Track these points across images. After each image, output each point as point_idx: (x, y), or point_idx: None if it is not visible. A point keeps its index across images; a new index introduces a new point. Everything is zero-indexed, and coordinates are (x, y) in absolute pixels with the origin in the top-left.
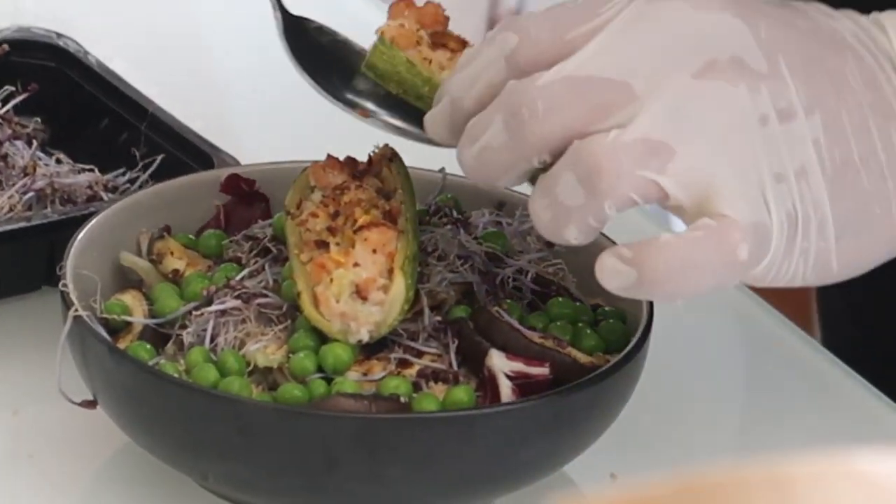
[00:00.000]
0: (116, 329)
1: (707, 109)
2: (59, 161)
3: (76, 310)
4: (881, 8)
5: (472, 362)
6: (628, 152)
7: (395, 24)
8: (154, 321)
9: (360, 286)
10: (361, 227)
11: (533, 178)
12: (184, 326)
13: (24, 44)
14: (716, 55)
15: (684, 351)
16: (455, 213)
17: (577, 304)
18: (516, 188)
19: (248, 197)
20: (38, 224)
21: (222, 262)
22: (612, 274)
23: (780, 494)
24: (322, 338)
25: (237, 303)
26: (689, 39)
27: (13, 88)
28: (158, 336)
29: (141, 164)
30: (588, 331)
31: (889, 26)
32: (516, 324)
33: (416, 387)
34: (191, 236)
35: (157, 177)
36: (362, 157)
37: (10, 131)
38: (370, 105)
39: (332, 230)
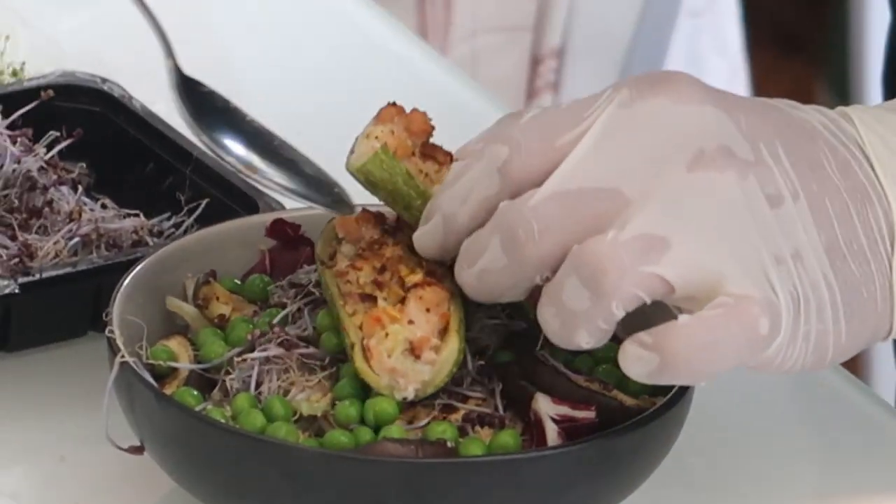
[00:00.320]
0: (163, 375)
1: (701, 200)
2: (104, 206)
3: (122, 356)
4: None
5: (518, 406)
6: (628, 250)
7: (387, 130)
8: (199, 366)
9: (414, 344)
10: (416, 285)
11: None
12: (229, 372)
13: (69, 89)
14: (703, 146)
15: (732, 393)
16: None
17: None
18: None
19: (293, 242)
20: (83, 269)
21: (268, 307)
22: (634, 361)
23: None
24: (367, 386)
25: (280, 350)
26: (675, 134)
27: (58, 134)
28: (205, 381)
29: (186, 209)
30: None
31: (854, 118)
32: (561, 367)
33: (462, 431)
34: (237, 281)
35: (202, 221)
36: None
37: (55, 177)
38: (257, 164)
39: (378, 284)
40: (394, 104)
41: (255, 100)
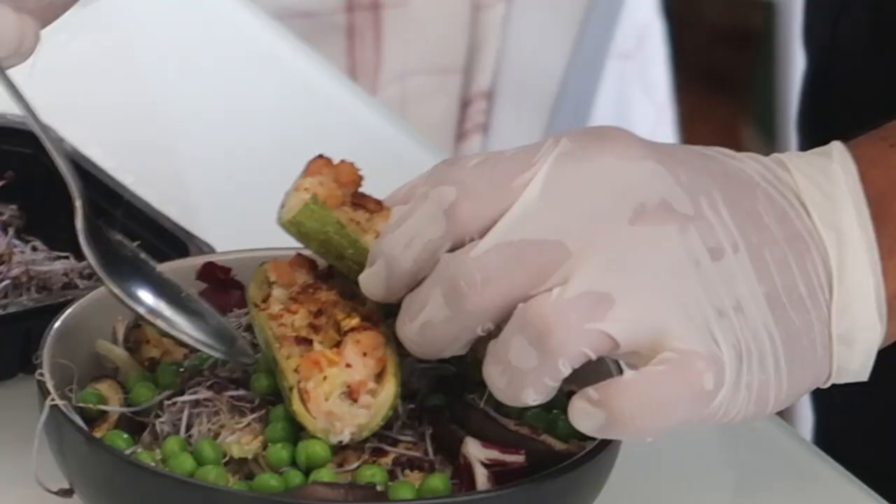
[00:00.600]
0: (93, 418)
1: (643, 255)
2: (34, 248)
3: (52, 398)
4: None
5: (448, 450)
6: (574, 308)
7: (317, 182)
8: (129, 409)
9: (351, 387)
10: (352, 329)
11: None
12: (159, 416)
13: (0, 130)
14: (644, 201)
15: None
16: None
17: None
18: None
19: (223, 285)
20: (13, 312)
21: (198, 350)
22: (581, 416)
23: None
24: (298, 429)
25: (209, 393)
26: (617, 189)
27: None
28: (135, 425)
29: None
30: (563, 417)
31: (790, 165)
32: (491, 411)
33: (392, 475)
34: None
35: None
36: None
37: None
38: (162, 314)
39: (314, 328)
40: (321, 156)
41: (183, 141)
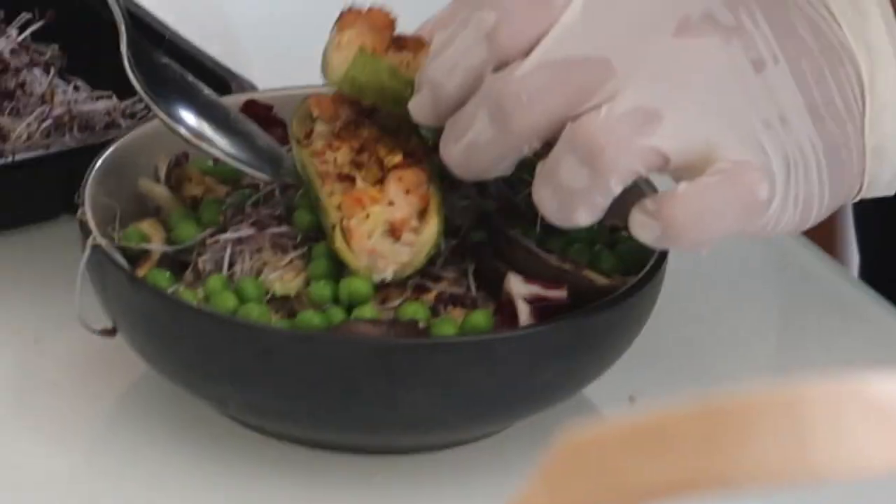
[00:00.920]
0: (135, 257)
1: (689, 68)
2: (76, 88)
3: (94, 238)
4: None
5: (490, 287)
6: (623, 125)
7: (355, 34)
8: (171, 248)
9: (394, 225)
10: (395, 166)
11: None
12: (201, 254)
13: None
14: (687, 14)
15: (707, 274)
16: None
17: (595, 225)
18: None
19: (265, 122)
20: (56, 152)
21: (240, 187)
22: (640, 228)
23: (790, 416)
24: (340, 266)
25: (252, 231)
26: (658, 3)
27: (30, 16)
28: (177, 264)
29: None
30: (606, 253)
31: None
32: (533, 247)
33: (435, 312)
34: (209, 162)
35: None
36: None
37: (27, 59)
38: (205, 135)
39: (356, 165)
40: (351, 8)
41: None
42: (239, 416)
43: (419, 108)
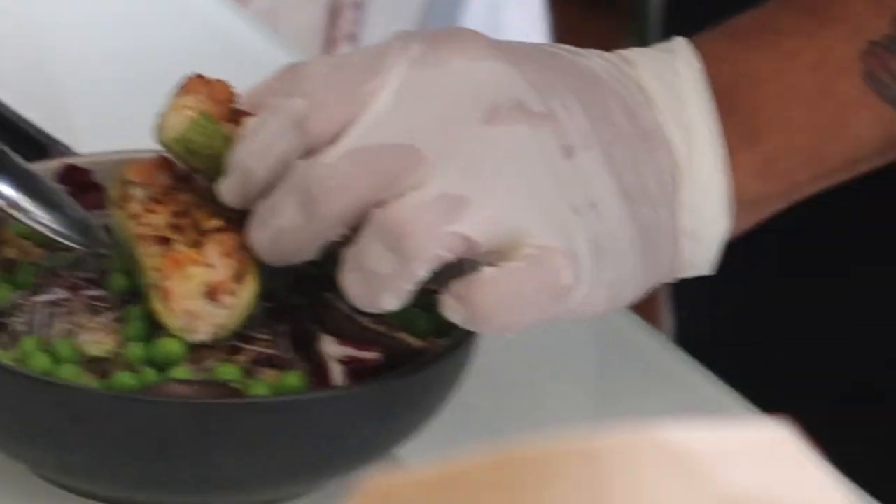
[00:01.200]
0: None
1: (497, 155)
2: None
3: None
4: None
5: (305, 349)
6: (429, 211)
7: (197, 100)
8: None
9: (212, 287)
10: (214, 230)
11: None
12: (15, 316)
13: None
14: (496, 102)
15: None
16: None
17: None
18: None
19: (83, 187)
20: None
21: (56, 250)
22: (449, 310)
23: (589, 466)
24: (154, 328)
25: (66, 293)
26: (469, 90)
27: None
28: None
29: None
30: (421, 315)
31: (636, 60)
32: (348, 310)
33: (249, 373)
34: (48, 236)
35: None
36: None
37: None
38: (17, 204)
39: (175, 228)
40: (198, 76)
41: (45, 47)
42: (55, 476)
43: (228, 191)
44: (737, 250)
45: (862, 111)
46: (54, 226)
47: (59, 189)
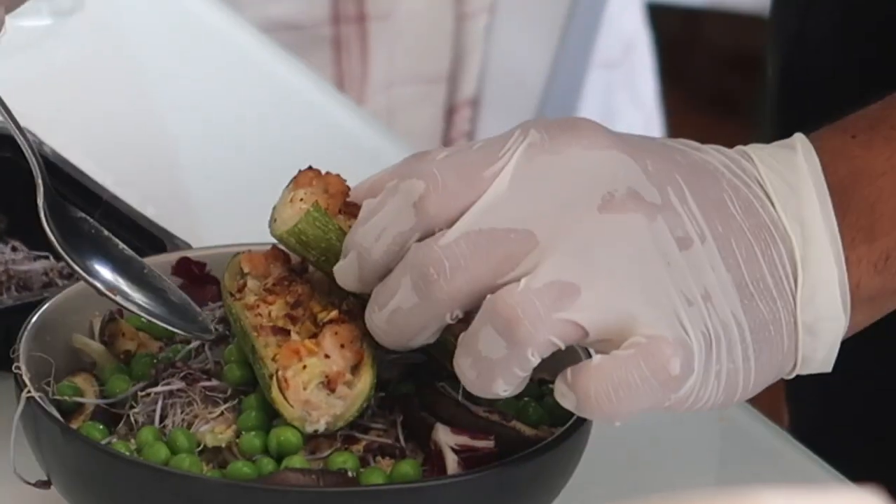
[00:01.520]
0: (69, 410)
1: (611, 243)
2: (14, 249)
3: (28, 391)
4: None
5: (419, 438)
6: (541, 297)
7: (309, 193)
8: (105, 401)
9: (329, 377)
10: (331, 321)
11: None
12: (133, 407)
13: None
14: (612, 190)
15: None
16: None
17: None
18: None
19: (198, 280)
20: None
21: (172, 343)
22: (560, 396)
23: None
24: (270, 418)
25: (183, 384)
26: (585, 179)
27: None
28: (110, 416)
29: None
30: (533, 404)
31: (754, 157)
32: (461, 399)
33: (364, 462)
34: (142, 318)
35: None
36: None
37: None
38: (120, 289)
39: (291, 319)
40: (310, 168)
41: (166, 146)
42: None
43: (344, 274)
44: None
45: None
46: (155, 309)
47: (161, 275)
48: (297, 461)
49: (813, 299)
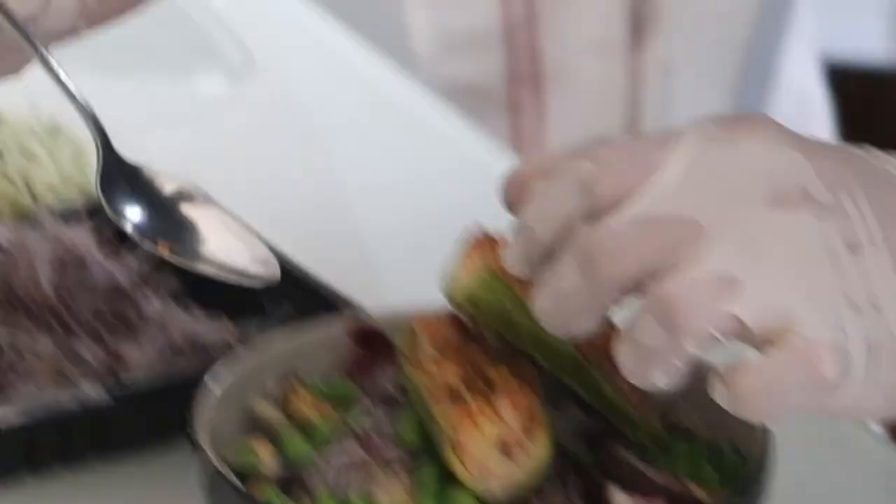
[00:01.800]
0: (249, 476)
1: (778, 241)
2: (191, 312)
3: (209, 459)
4: None
5: (594, 500)
6: (703, 288)
7: (485, 256)
8: (283, 468)
9: (506, 442)
10: (506, 386)
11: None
12: (313, 473)
13: None
14: (783, 188)
15: (812, 489)
16: None
17: (696, 442)
18: None
19: (374, 343)
20: (172, 376)
21: (350, 408)
22: (715, 391)
23: None
24: (447, 483)
25: (360, 449)
26: (756, 173)
27: None
28: (289, 483)
29: (272, 315)
30: (707, 468)
31: None
32: (637, 462)
33: None
34: (320, 384)
35: (288, 326)
36: None
37: (143, 285)
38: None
39: (467, 382)
40: (487, 233)
41: (343, 210)
42: None
43: (512, 255)
44: None
45: None
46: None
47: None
48: None
49: None
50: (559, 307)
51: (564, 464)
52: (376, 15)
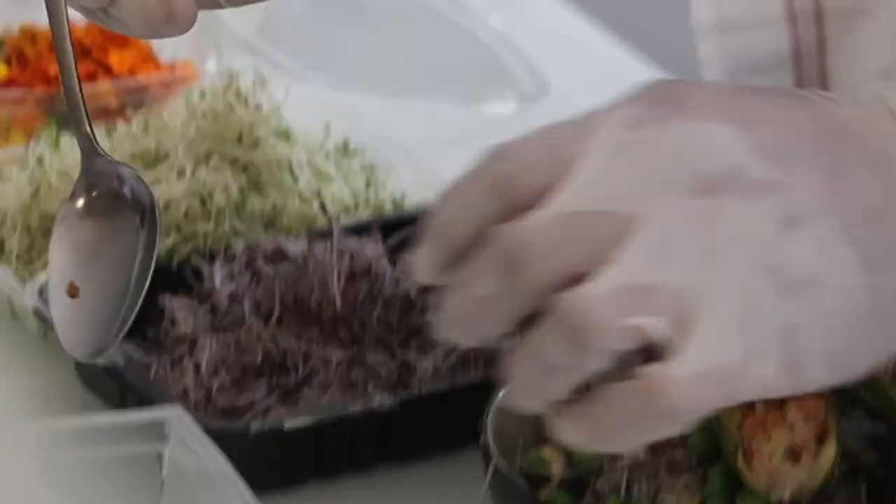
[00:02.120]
0: (537, 481)
1: (698, 233)
2: None
3: (496, 463)
4: None
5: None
6: (611, 301)
7: None
8: (571, 472)
9: (795, 448)
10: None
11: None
12: (600, 477)
13: None
14: (712, 172)
15: None
16: None
17: None
18: None
19: None
20: (462, 386)
21: None
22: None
23: None
24: (734, 487)
25: (648, 454)
26: (683, 158)
27: None
28: (578, 486)
29: None
30: None
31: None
32: None
33: None
34: None
35: None
36: None
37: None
38: None
39: None
40: None
41: None
42: None
43: (423, 258)
44: None
45: None
46: None
47: None
48: None
49: None
50: (472, 312)
51: (852, 469)
52: (667, 40)
